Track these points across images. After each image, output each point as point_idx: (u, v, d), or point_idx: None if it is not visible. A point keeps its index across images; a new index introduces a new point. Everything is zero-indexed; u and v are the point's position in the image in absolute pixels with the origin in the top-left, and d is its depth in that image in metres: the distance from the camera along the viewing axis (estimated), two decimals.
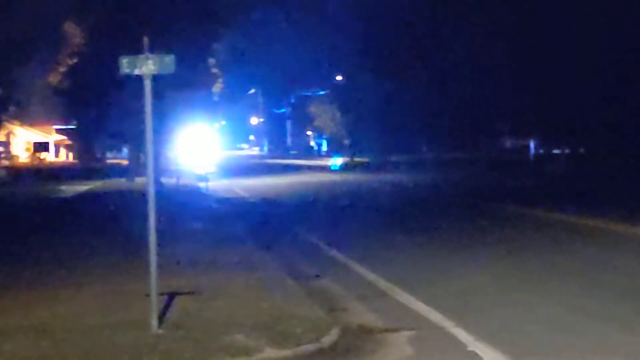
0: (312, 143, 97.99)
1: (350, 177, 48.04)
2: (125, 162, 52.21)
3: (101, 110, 35.84)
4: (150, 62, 9.05)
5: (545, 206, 23.90)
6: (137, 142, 39.65)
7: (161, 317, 9.29)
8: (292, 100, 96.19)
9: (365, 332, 9.37)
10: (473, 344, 8.71)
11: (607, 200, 25.69)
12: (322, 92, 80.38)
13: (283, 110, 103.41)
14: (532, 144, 55.12)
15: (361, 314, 10.38)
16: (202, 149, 39.04)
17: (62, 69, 42.20)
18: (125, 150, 50.06)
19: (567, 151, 51.20)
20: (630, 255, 14.74)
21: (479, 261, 14.32)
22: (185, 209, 24.29)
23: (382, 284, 12.38)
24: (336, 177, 47.62)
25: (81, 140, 55.00)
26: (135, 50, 9.21)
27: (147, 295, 9.26)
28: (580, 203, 24.53)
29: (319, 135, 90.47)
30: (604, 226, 18.79)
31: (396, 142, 66.50)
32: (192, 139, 38.69)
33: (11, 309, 10.23)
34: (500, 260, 14.40)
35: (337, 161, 25.86)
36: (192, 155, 38.07)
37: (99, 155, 70.90)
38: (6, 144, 68.44)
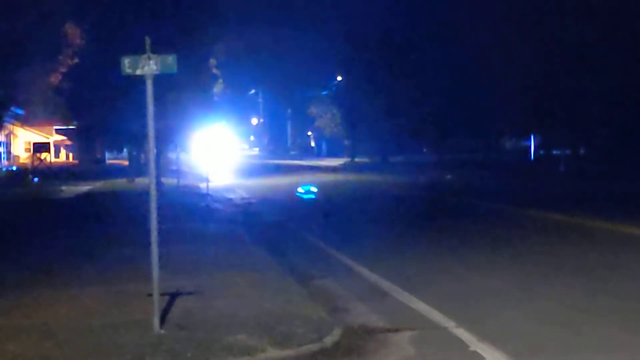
0: (313, 143, 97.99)
1: (351, 177, 48.02)
2: (125, 163, 52.18)
3: (102, 110, 35.78)
4: (152, 62, 9.03)
5: (549, 207, 23.90)
6: (137, 143, 39.63)
7: (163, 317, 9.29)
8: (293, 101, 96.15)
9: (367, 332, 9.38)
10: (475, 344, 8.71)
11: (614, 201, 25.73)
12: (322, 93, 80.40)
13: (283, 110, 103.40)
14: (532, 145, 55.12)
15: (363, 314, 10.39)
16: (214, 150, 38.98)
17: (62, 70, 42.19)
18: (125, 150, 50.00)
19: (567, 152, 51.19)
20: (636, 256, 14.71)
21: (481, 261, 14.32)
22: (185, 210, 24.26)
23: (384, 284, 12.39)
24: (338, 178, 47.58)
25: (81, 140, 55.06)
26: (136, 50, 9.20)
27: (149, 295, 9.27)
28: (587, 204, 24.58)
29: (319, 135, 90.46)
30: (610, 227, 18.77)
31: (396, 143, 66.57)
32: (203, 140, 38.72)
33: (14, 309, 10.23)
34: (503, 260, 14.40)
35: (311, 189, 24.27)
36: (202, 156, 38.07)
37: (99, 156, 70.95)
38: (7, 145, 68.52)
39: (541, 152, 54.81)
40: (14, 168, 57.26)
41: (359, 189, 36.90)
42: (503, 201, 27.27)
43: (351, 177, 48.15)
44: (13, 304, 10.60)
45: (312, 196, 26.59)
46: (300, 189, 27.49)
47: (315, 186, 27.54)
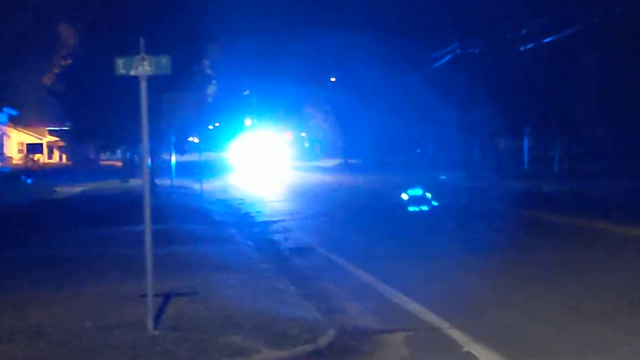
0: (307, 144, 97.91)
1: (348, 178, 48.04)
2: (119, 164, 52.13)
3: (95, 111, 35.72)
4: (146, 63, 9.01)
5: (543, 208, 23.96)
6: (131, 144, 39.57)
7: (157, 318, 9.27)
8: (286, 102, 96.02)
9: (362, 333, 9.38)
10: (469, 345, 8.72)
11: (604, 201, 25.78)
12: (316, 93, 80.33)
13: (277, 111, 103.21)
14: (526, 145, 55.12)
15: (357, 315, 10.38)
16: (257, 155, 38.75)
17: (56, 71, 42.11)
18: (119, 151, 49.96)
19: (559, 152, 51.18)
20: (630, 256, 14.72)
21: (475, 262, 14.33)
22: (178, 210, 24.24)
23: (378, 285, 12.39)
24: (333, 178, 47.60)
25: (75, 141, 54.83)
26: (130, 51, 9.19)
27: (143, 296, 9.25)
28: (580, 204, 24.62)
29: (313, 136, 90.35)
30: (605, 228, 18.81)
31: (390, 143, 66.57)
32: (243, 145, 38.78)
33: (7, 311, 10.20)
34: (496, 261, 14.41)
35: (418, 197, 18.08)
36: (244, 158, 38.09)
37: (92, 157, 70.83)
38: None
39: (535, 152, 54.79)
40: (7, 169, 57.10)
41: (353, 191, 36.94)
42: (497, 201, 27.31)
43: (344, 178, 48.17)
44: (7, 305, 10.57)
45: (426, 207, 20.21)
46: (405, 195, 20.42)
47: (429, 191, 21.13)
